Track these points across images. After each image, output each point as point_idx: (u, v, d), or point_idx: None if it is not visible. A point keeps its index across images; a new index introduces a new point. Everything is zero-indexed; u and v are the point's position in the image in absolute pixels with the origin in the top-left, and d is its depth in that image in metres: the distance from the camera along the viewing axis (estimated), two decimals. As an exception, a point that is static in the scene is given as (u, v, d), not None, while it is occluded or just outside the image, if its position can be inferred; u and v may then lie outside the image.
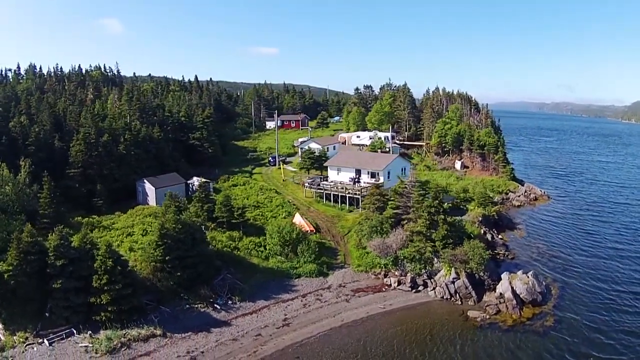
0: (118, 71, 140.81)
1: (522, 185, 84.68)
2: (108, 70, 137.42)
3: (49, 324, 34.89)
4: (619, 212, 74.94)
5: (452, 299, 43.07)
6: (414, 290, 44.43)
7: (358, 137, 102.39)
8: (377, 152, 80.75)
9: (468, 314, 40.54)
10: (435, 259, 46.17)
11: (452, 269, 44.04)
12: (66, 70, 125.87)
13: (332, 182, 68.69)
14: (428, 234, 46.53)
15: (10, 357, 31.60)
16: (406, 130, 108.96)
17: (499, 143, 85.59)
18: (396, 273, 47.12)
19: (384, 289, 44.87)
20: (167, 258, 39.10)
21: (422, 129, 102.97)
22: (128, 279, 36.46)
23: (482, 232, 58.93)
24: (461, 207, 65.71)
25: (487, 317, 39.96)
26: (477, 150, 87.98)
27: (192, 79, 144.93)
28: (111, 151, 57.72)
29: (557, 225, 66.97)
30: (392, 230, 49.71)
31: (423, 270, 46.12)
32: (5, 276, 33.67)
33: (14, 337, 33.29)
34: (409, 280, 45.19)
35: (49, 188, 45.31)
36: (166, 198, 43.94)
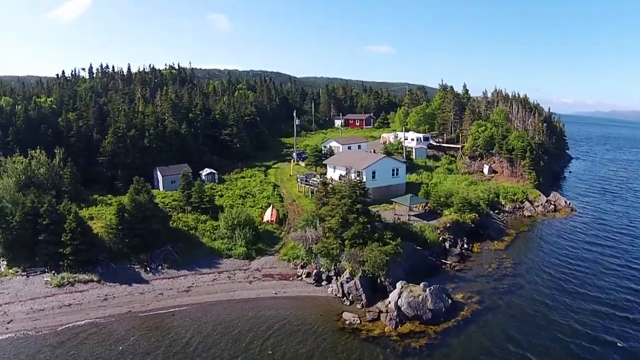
0: (192, 69, 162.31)
1: (548, 195, 75.17)
2: (180, 69, 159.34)
3: (35, 265, 49.94)
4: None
5: (344, 298, 44.04)
6: (315, 284, 47.51)
7: (395, 137, 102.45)
8: (374, 152, 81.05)
9: (343, 315, 40.64)
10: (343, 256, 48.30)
11: (350, 268, 45.92)
12: (139, 68, 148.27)
13: (319, 179, 73.18)
14: (339, 232, 48.88)
15: (1, 281, 47.34)
16: (451, 132, 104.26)
17: (528, 148, 77.22)
18: (313, 266, 50.86)
19: (290, 279, 49.13)
20: (119, 227, 51.18)
21: (462, 131, 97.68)
22: (86, 238, 49.37)
23: (441, 239, 57.40)
24: (438, 211, 63.95)
25: (358, 322, 39.47)
26: (505, 155, 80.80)
27: (271, 76, 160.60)
28: (136, 143, 73.34)
29: (549, 244, 59.13)
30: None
31: (332, 266, 48.86)
32: (13, 228, 49.82)
33: (10, 270, 49.13)
34: (313, 274, 48.66)
35: (71, 171, 61.99)
36: (134, 182, 55.96)
